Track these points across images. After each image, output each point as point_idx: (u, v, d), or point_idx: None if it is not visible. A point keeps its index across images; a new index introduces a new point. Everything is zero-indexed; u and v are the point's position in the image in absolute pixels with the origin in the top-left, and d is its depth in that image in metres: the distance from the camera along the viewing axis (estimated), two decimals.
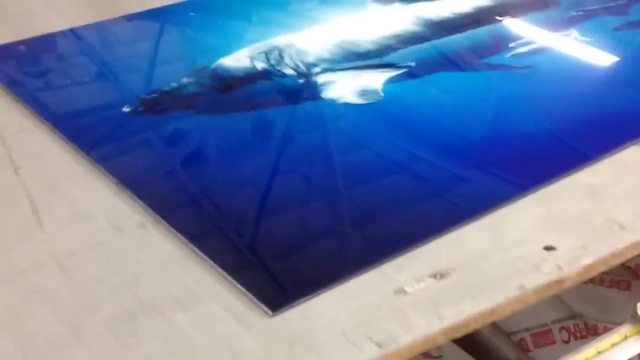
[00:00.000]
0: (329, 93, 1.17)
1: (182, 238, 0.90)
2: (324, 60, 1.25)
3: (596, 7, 1.42)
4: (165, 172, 1.05)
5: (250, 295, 0.82)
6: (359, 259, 0.87)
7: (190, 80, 1.22)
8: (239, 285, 0.83)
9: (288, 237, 0.92)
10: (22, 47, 1.35)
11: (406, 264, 0.87)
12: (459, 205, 0.95)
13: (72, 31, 1.38)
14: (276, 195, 0.99)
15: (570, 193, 0.99)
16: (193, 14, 1.45)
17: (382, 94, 1.17)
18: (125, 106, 1.15)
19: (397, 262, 0.87)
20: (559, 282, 0.85)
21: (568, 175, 1.01)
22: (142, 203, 0.96)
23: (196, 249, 0.88)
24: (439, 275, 0.86)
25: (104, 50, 1.38)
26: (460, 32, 1.34)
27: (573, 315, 1.46)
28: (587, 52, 1.29)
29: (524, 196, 0.98)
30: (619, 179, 1.01)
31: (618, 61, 1.26)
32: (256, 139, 1.10)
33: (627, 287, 1.47)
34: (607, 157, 1.04)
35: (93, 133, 1.11)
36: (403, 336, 0.79)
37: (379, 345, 0.78)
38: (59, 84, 1.27)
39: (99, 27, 1.40)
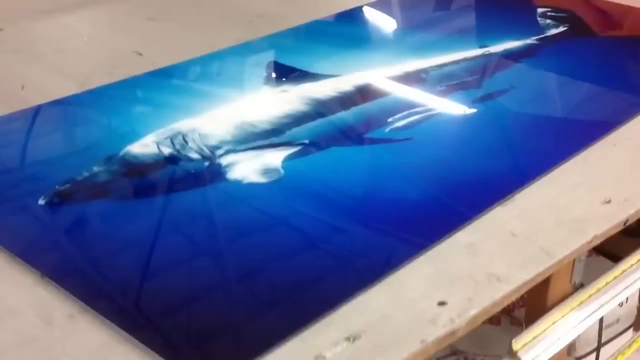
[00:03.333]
0: (233, 174, 1.31)
1: (112, 325, 0.98)
2: (226, 142, 1.38)
3: (456, 82, 1.62)
4: (85, 261, 1.12)
5: None
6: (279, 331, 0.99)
7: (101, 168, 1.32)
8: None
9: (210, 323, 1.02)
10: None
11: (322, 330, 1.00)
12: (361, 271, 1.10)
13: None
14: (192, 281, 1.09)
15: (454, 251, 1.15)
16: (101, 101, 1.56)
17: (282, 171, 1.31)
18: (41, 198, 1.23)
19: (314, 329, 1.00)
20: (452, 333, 1.01)
21: (450, 236, 1.18)
22: (68, 293, 1.03)
23: (129, 337, 0.96)
24: (352, 338, 0.99)
25: (14, 142, 1.46)
26: (345, 109, 1.50)
27: (454, 352, 1.63)
28: (454, 122, 1.47)
29: (416, 257, 1.13)
30: (491, 236, 1.18)
31: (479, 130, 1.45)
32: (169, 224, 1.20)
33: (498, 322, 1.66)
34: (479, 217, 1.22)
35: (11, 227, 1.18)
36: None
37: None
38: None
39: (7, 120, 1.49)
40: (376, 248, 1.15)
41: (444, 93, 1.57)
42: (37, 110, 1.53)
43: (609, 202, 1.25)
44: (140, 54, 1.75)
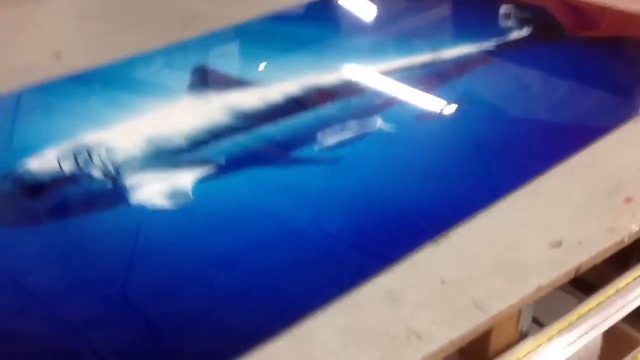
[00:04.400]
0: (137, 197, 1.16)
1: None
2: (135, 159, 1.24)
3: (399, 93, 1.46)
4: None
5: None
6: None
7: None
8: None
9: None
10: None
11: None
12: (263, 321, 0.96)
13: None
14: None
15: (372, 300, 1.01)
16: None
17: (191, 196, 1.17)
18: None
19: None
20: None
21: (369, 280, 1.03)
22: None
23: None
24: None
25: None
26: (270, 122, 1.35)
27: None
28: (391, 142, 1.32)
29: (327, 306, 0.99)
30: (418, 282, 1.04)
31: (418, 152, 1.30)
32: (61, 253, 1.08)
33: None
34: (407, 257, 1.07)
35: None
36: None
37: None
38: None
39: None
40: (283, 294, 1.01)
41: (383, 107, 1.42)
42: None
43: (559, 244, 1.09)
44: (59, 57, 1.59)
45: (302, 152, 1.29)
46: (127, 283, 1.02)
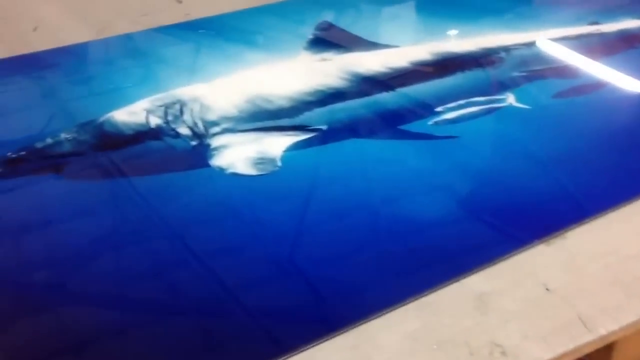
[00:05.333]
0: (219, 160, 1.05)
1: None
2: (228, 119, 1.12)
3: (542, 67, 1.27)
4: None
5: None
6: None
7: (69, 136, 1.09)
8: None
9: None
10: None
11: None
12: (321, 321, 0.82)
13: None
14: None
15: (455, 302, 0.85)
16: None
17: (280, 164, 1.04)
18: None
19: None
20: None
21: (459, 279, 0.87)
22: None
23: None
24: None
25: None
26: (387, 90, 1.20)
27: None
28: (520, 120, 1.14)
29: (403, 304, 0.84)
30: (515, 288, 0.87)
31: (550, 134, 1.11)
32: (121, 218, 0.97)
33: None
34: (507, 257, 0.90)
35: None
36: None
37: None
38: None
39: None
40: (356, 287, 0.86)
41: (519, 81, 1.23)
42: (32, 58, 1.30)
43: None
44: (180, 1, 1.49)
45: (414, 125, 1.13)
46: (188, 249, 0.90)
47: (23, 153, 1.06)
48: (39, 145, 1.07)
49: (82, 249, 0.92)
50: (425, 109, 1.15)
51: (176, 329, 0.80)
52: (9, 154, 1.05)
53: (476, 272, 0.88)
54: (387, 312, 0.83)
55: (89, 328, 0.80)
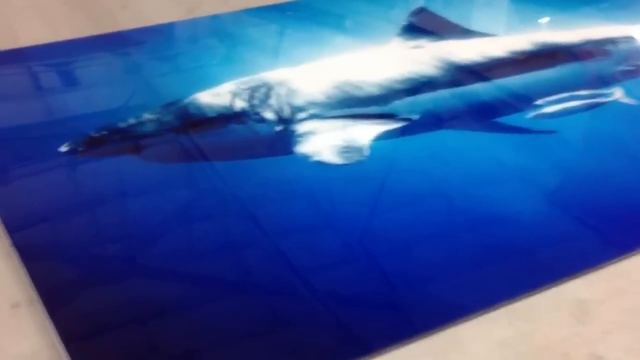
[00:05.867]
0: (304, 147, 1.00)
1: (55, 333, 0.73)
2: (315, 105, 1.07)
3: None
4: (69, 241, 0.87)
5: None
6: None
7: (152, 116, 1.05)
8: None
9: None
10: None
11: None
12: (406, 323, 0.77)
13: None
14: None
15: (554, 309, 0.78)
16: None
17: (366, 153, 0.99)
18: (65, 144, 0.99)
19: None
20: None
21: (555, 285, 0.81)
22: (27, 274, 0.80)
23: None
24: None
25: (65, 71, 1.21)
26: (483, 81, 1.13)
27: None
28: (627, 118, 1.06)
29: (493, 309, 0.78)
30: (621, 296, 0.80)
31: None
32: (198, 204, 0.93)
33: None
34: (614, 261, 0.83)
35: (6, 174, 0.96)
36: None
37: None
38: None
39: (74, 44, 1.23)
40: (453, 286, 0.81)
41: (629, 75, 1.15)
42: (118, 36, 1.27)
43: None
44: None
45: (511, 118, 1.07)
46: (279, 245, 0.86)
47: (105, 132, 1.02)
48: (121, 124, 1.03)
49: (155, 225, 0.89)
50: (523, 101, 1.09)
51: (242, 307, 0.77)
52: (92, 133, 1.02)
53: (575, 277, 0.82)
54: (474, 317, 0.77)
55: (155, 301, 0.78)
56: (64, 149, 0.98)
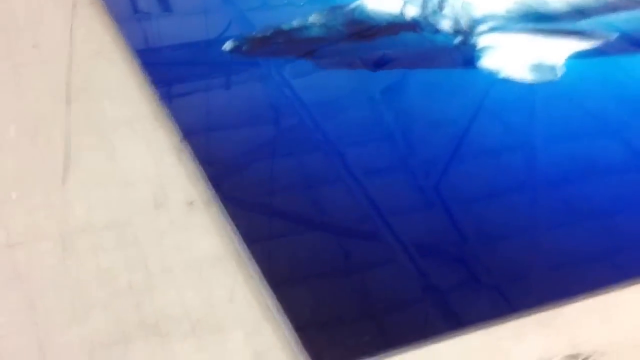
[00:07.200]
0: (488, 61, 0.89)
1: (234, 231, 0.68)
2: (495, 17, 0.96)
3: None
4: (244, 139, 0.84)
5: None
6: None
7: (317, 20, 0.96)
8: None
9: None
10: None
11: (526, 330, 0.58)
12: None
13: None
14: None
15: None
16: None
17: (559, 73, 0.88)
18: (228, 42, 0.94)
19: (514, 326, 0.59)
20: None
21: None
22: (202, 172, 0.76)
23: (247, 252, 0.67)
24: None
25: None
26: None
27: None
28: None
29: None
30: None
31: None
32: (385, 111, 0.85)
33: None
34: None
35: (175, 72, 0.91)
36: None
37: None
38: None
39: None
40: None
41: None
42: None
43: None
44: None
45: None
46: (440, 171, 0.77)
47: (268, 34, 0.96)
48: (285, 27, 0.98)
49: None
50: None
51: (316, 243, 0.72)
52: (255, 33, 0.97)
53: None
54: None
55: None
56: (227, 47, 0.94)
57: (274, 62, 0.92)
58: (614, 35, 0.92)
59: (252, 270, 0.64)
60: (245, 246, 0.67)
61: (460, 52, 0.93)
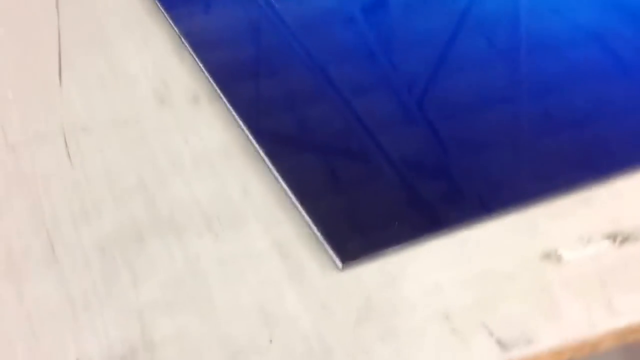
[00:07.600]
0: None
1: (240, 122, 0.65)
2: None
3: None
4: (251, 31, 0.78)
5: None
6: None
7: None
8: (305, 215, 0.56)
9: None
10: None
11: (568, 212, 0.56)
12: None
13: None
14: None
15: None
16: None
17: None
18: None
19: (555, 208, 0.56)
20: None
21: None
22: (202, 68, 0.71)
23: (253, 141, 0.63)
24: (621, 238, 0.54)
25: None
26: None
27: None
28: None
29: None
30: None
31: None
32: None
33: None
34: None
35: None
36: (544, 335, 0.49)
37: (501, 344, 0.48)
38: None
39: None
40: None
41: None
42: None
43: None
44: None
45: None
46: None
47: None
48: None
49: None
50: None
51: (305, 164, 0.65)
52: None
53: None
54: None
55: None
56: None
57: None
58: None
59: (264, 164, 0.61)
60: (254, 140, 0.63)
61: None
